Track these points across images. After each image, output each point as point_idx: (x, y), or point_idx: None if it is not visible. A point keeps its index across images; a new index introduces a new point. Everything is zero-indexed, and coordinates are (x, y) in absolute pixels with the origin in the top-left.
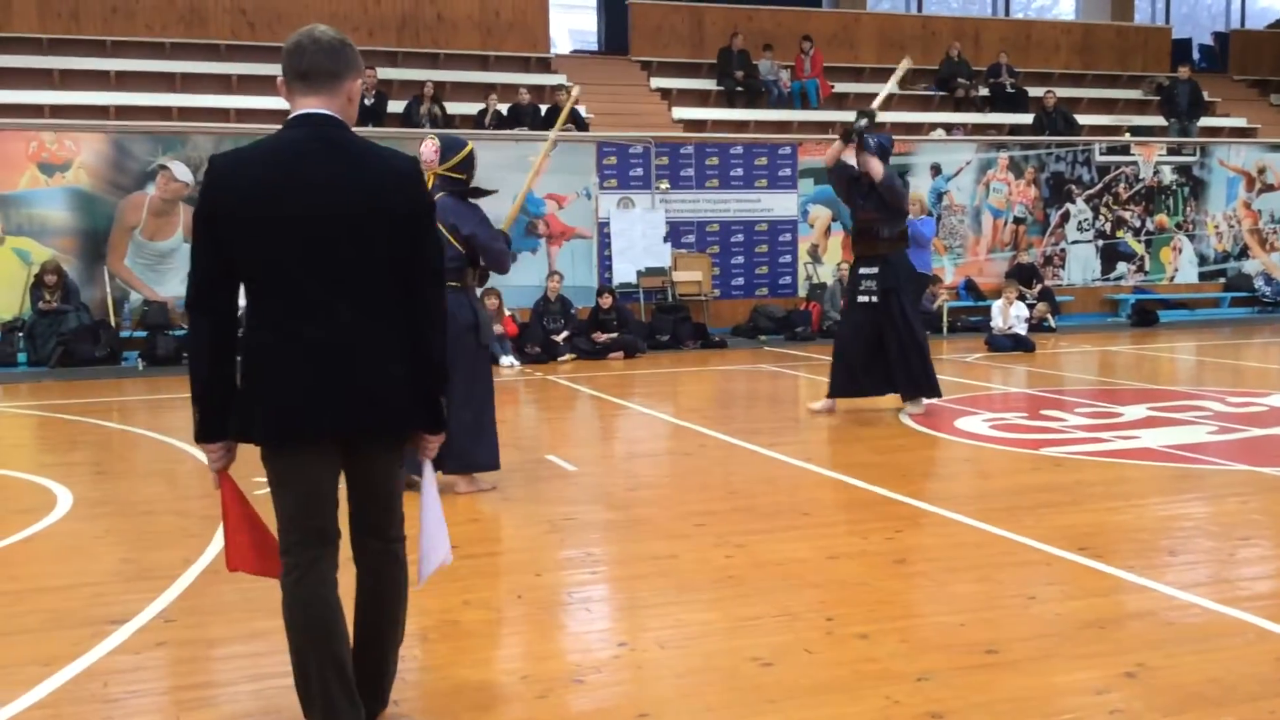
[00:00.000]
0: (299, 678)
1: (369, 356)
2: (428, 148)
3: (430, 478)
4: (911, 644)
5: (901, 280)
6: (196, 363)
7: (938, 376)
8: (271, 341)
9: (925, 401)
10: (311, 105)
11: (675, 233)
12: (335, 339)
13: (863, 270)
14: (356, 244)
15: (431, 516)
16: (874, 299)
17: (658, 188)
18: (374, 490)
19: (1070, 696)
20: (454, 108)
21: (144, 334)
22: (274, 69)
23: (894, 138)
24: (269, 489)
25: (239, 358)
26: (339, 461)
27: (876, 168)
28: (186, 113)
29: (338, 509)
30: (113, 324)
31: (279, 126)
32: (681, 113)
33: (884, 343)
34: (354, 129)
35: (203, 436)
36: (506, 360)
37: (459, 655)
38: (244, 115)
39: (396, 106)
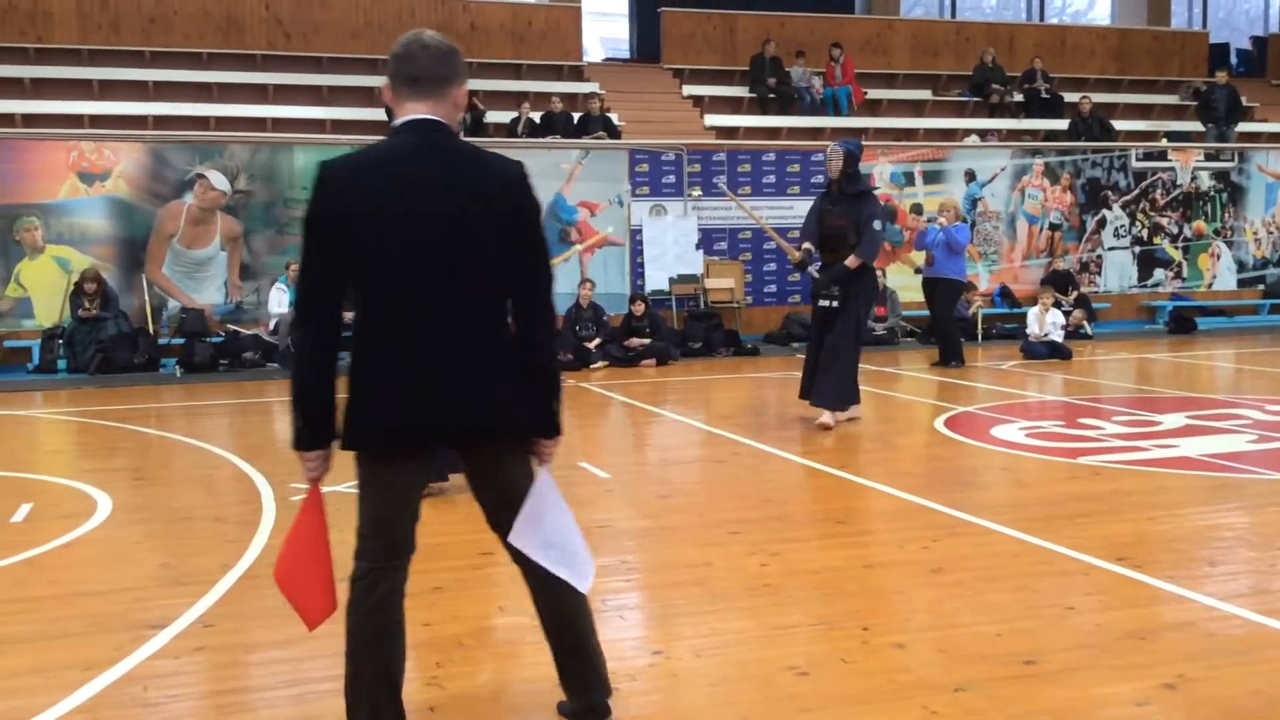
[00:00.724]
0: (349, 681)
1: (479, 362)
2: None
3: (548, 483)
4: (949, 654)
5: (864, 288)
6: (301, 369)
7: (861, 389)
8: (379, 348)
9: (840, 414)
10: (419, 111)
11: (707, 240)
12: (444, 345)
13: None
14: (466, 248)
15: (553, 523)
16: (834, 304)
17: (689, 195)
18: (502, 497)
19: (1110, 708)
20: (487, 116)
21: (181, 341)
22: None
23: (924, 142)
24: (357, 492)
25: (348, 364)
26: (422, 473)
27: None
28: (223, 122)
29: (417, 522)
30: (151, 331)
31: (315, 135)
32: (713, 120)
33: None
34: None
35: (302, 444)
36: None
37: (494, 662)
38: (280, 125)
39: None
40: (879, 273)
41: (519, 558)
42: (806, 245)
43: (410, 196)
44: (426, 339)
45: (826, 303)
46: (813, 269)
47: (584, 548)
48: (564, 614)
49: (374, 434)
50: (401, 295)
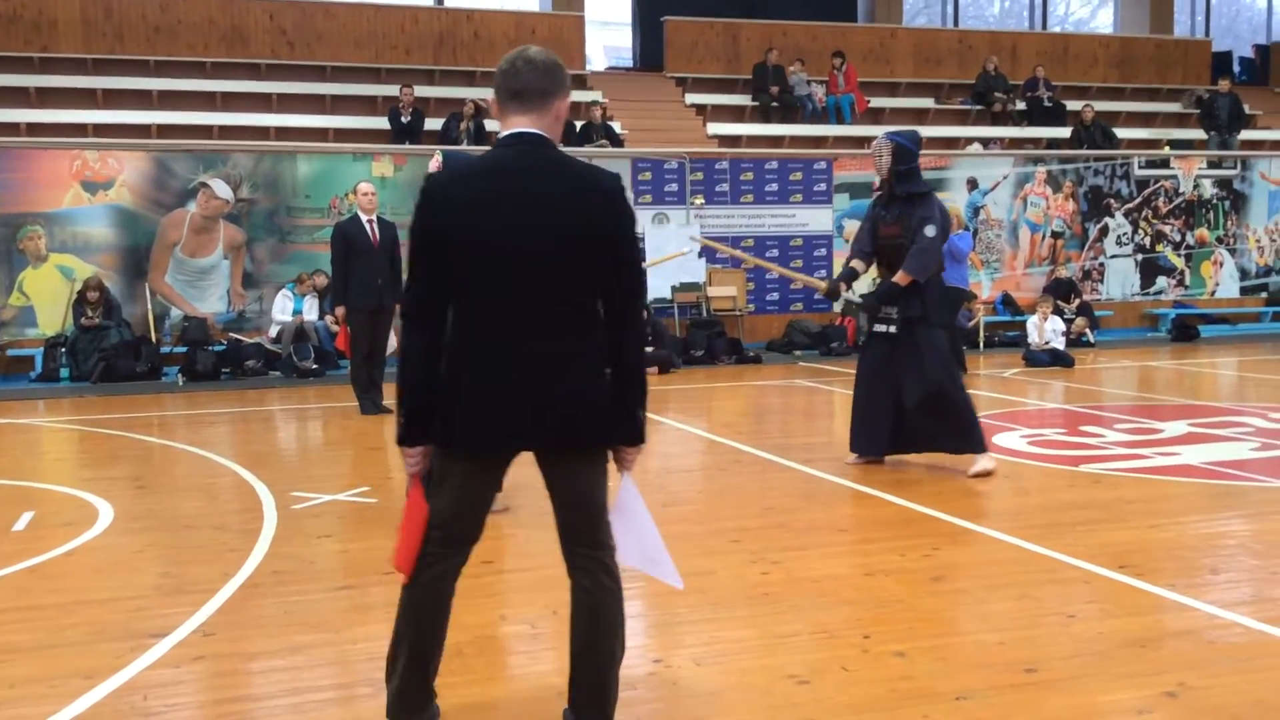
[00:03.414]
0: (391, 653)
1: (571, 370)
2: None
3: (632, 490)
4: (950, 662)
5: (929, 308)
6: (407, 370)
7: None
8: (476, 352)
9: (982, 459)
10: (522, 124)
11: (710, 248)
12: (538, 352)
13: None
14: (566, 259)
15: (639, 535)
16: (891, 329)
17: (693, 203)
18: (579, 501)
19: (1111, 717)
20: (491, 124)
21: (184, 349)
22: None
23: (926, 150)
24: (436, 483)
25: (445, 367)
26: (501, 474)
27: (901, 278)
28: (227, 131)
29: (485, 518)
30: (153, 340)
31: (318, 144)
32: (716, 128)
33: (902, 387)
34: (399, 145)
35: (406, 440)
36: None
37: (495, 670)
38: (284, 133)
39: (435, 124)
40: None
41: (573, 569)
42: (853, 264)
43: (513, 206)
44: (522, 344)
45: (882, 327)
46: (849, 294)
47: (665, 552)
48: (595, 643)
49: (462, 434)
50: (501, 301)
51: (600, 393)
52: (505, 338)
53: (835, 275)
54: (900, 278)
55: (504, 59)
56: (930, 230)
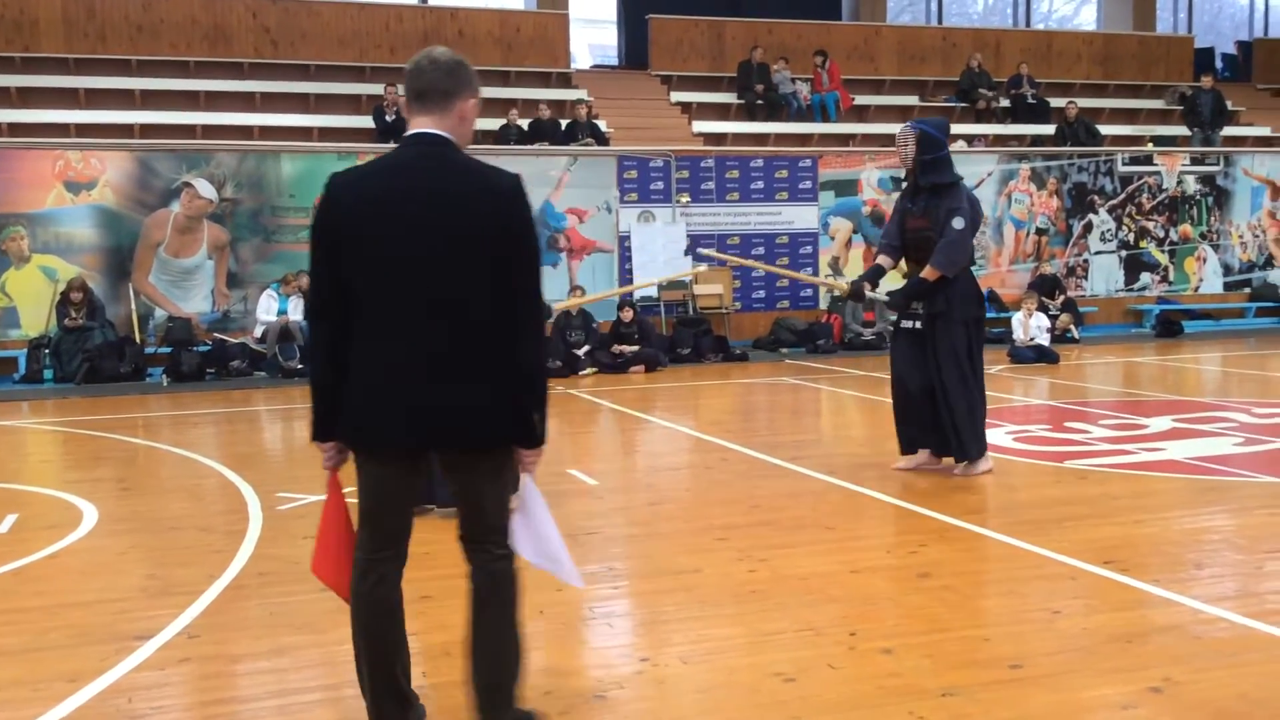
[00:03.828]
0: (357, 665)
1: (458, 371)
2: None
3: (533, 491)
4: (936, 659)
5: (953, 303)
6: (313, 367)
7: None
8: (367, 351)
9: (979, 464)
10: (424, 125)
11: (696, 246)
12: (425, 353)
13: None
14: (452, 260)
15: (538, 535)
16: (917, 324)
17: (678, 201)
18: (472, 498)
19: (1096, 712)
20: (481, 124)
21: (168, 350)
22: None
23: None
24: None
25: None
26: (422, 468)
27: (929, 273)
28: (210, 130)
29: (411, 514)
30: (137, 340)
31: (302, 143)
32: (701, 126)
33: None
34: (384, 144)
35: (315, 436)
36: None
37: None
38: (267, 133)
39: None
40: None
41: (469, 569)
42: (879, 260)
43: (400, 207)
44: (409, 345)
45: (909, 323)
46: (875, 294)
47: (566, 551)
48: (480, 642)
49: (355, 432)
50: (387, 302)
51: (488, 395)
52: (389, 338)
53: (826, 264)
54: (928, 273)
55: (411, 60)
56: (959, 222)
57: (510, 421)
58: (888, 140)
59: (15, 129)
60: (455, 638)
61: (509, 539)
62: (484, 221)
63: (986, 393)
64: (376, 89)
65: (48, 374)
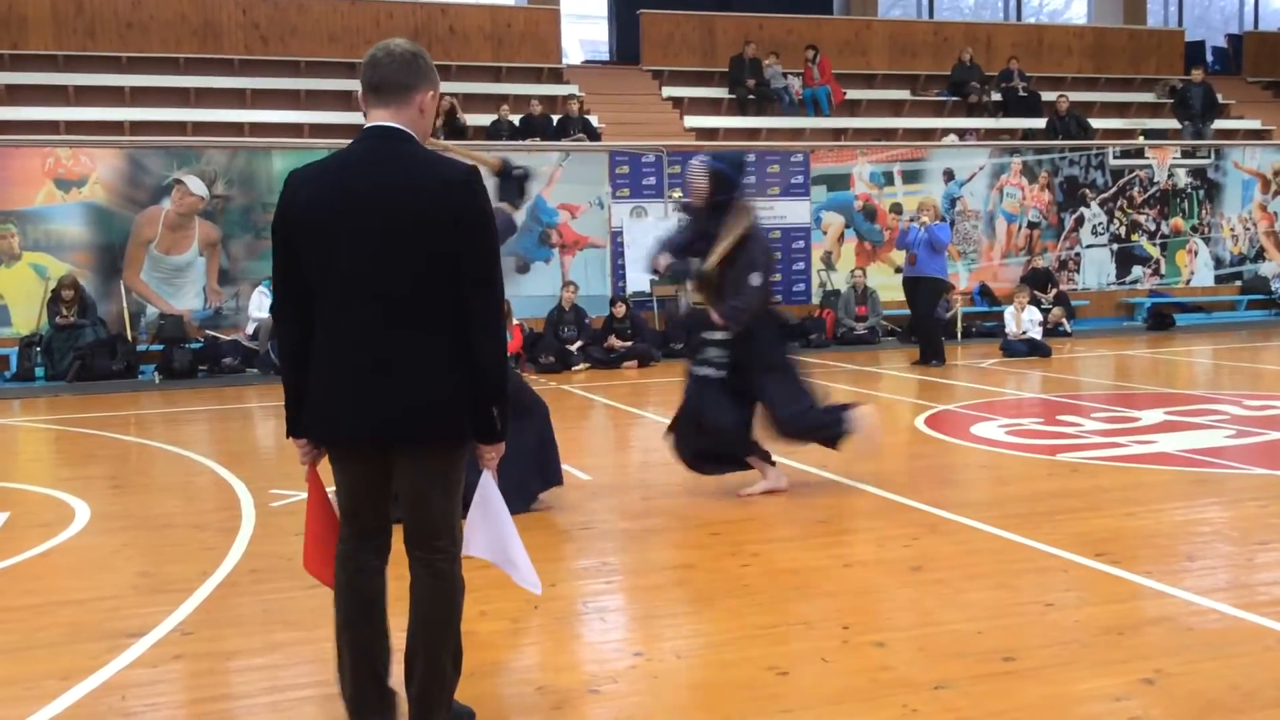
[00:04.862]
0: (337, 657)
1: (410, 365)
2: None
3: (492, 489)
4: (928, 652)
5: (756, 354)
6: (281, 365)
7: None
8: (322, 347)
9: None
10: (381, 118)
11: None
12: (376, 347)
13: (707, 335)
14: (404, 255)
15: (497, 534)
16: (720, 373)
17: (670, 197)
18: (413, 500)
19: (1089, 704)
20: (466, 119)
21: (160, 347)
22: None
23: (904, 141)
24: None
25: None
26: (387, 467)
27: (719, 321)
28: (201, 127)
29: (386, 505)
30: (129, 338)
31: (293, 139)
32: (693, 121)
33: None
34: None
35: (289, 432)
36: None
37: (475, 666)
38: (258, 129)
39: None
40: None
41: (410, 569)
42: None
43: (349, 204)
44: (363, 341)
45: (708, 371)
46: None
47: (524, 553)
48: (416, 641)
49: (317, 428)
50: (341, 298)
51: (441, 390)
52: (343, 334)
53: (818, 259)
54: (717, 320)
55: (368, 53)
56: (755, 279)
57: (467, 416)
58: (880, 134)
59: (5, 126)
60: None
61: (460, 542)
62: (436, 214)
63: (977, 386)
64: None
65: (39, 372)
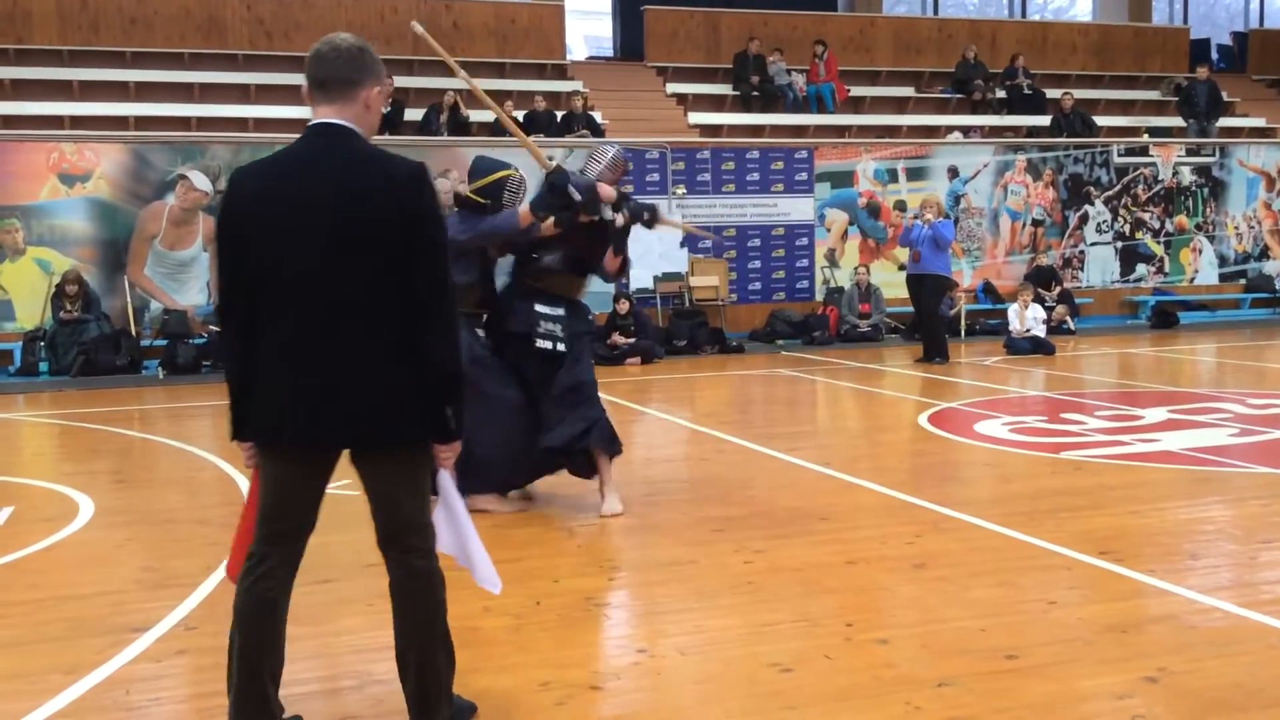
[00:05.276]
0: (228, 659)
1: (359, 366)
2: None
3: (450, 488)
4: (932, 650)
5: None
6: (226, 366)
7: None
8: (267, 348)
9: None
10: (327, 114)
11: (692, 238)
12: (326, 350)
13: (542, 308)
14: (350, 254)
15: (458, 531)
16: (559, 346)
17: (674, 193)
18: (379, 501)
19: (1092, 702)
20: (478, 115)
21: (164, 342)
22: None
23: (907, 139)
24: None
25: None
26: (325, 471)
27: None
28: (205, 123)
29: (311, 515)
30: (133, 333)
31: (297, 135)
32: (697, 118)
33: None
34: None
35: (233, 435)
36: None
37: (479, 662)
38: (262, 125)
39: (414, 115)
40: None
41: (388, 569)
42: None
43: (295, 203)
44: (310, 343)
45: (547, 344)
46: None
47: (483, 552)
48: (405, 642)
49: (254, 427)
50: (287, 299)
51: (394, 390)
52: (290, 335)
53: (822, 256)
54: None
55: (313, 47)
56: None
57: (421, 416)
58: (884, 131)
59: (9, 121)
60: (454, 629)
61: (433, 537)
62: (384, 213)
63: (981, 384)
64: None
65: (43, 367)
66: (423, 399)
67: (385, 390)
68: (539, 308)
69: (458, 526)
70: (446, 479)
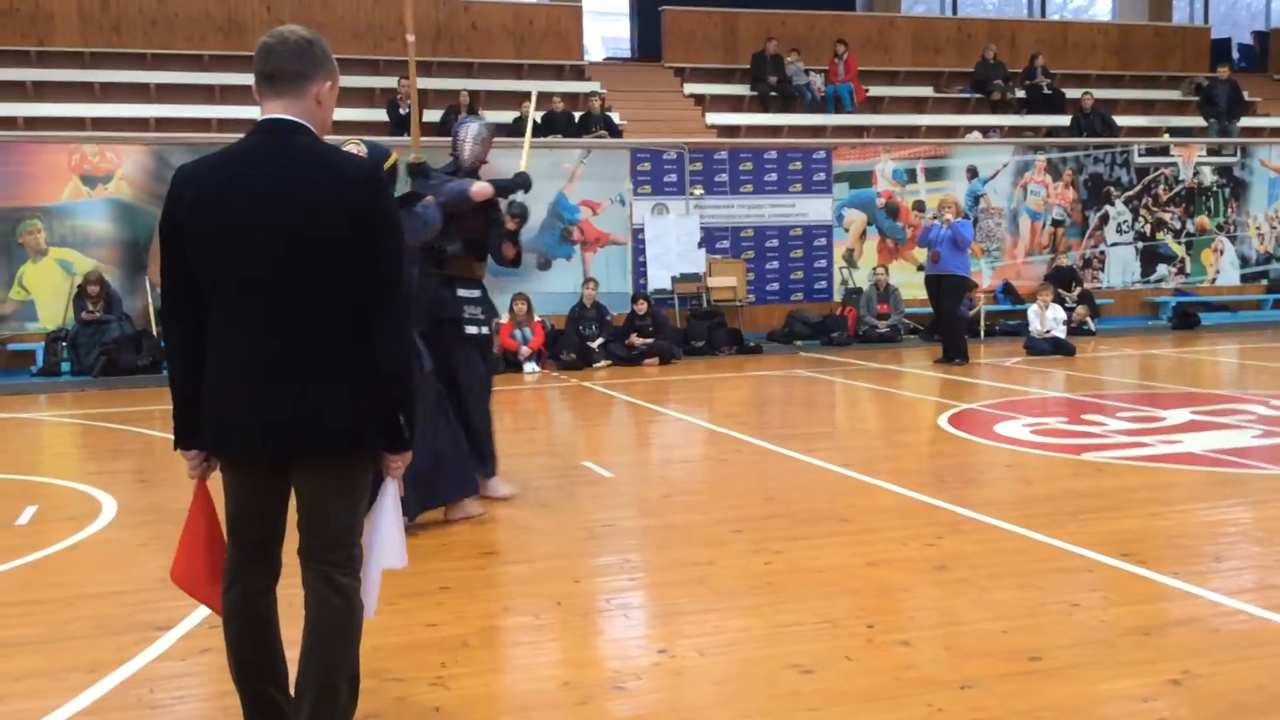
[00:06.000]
0: (230, 670)
1: (309, 374)
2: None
3: (391, 491)
4: (953, 651)
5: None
6: (171, 371)
7: None
8: (213, 352)
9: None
10: (276, 110)
11: (710, 238)
12: (271, 356)
13: (464, 293)
14: (296, 255)
15: (383, 532)
16: (484, 330)
17: (692, 194)
18: (308, 511)
19: (1115, 704)
20: (489, 116)
21: None
22: None
23: (925, 139)
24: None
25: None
26: (282, 480)
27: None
28: (226, 124)
29: (276, 524)
30: (154, 333)
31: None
32: (715, 118)
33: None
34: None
35: (177, 444)
36: (528, 366)
37: (500, 662)
38: None
39: (433, 115)
40: None
41: (304, 583)
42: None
43: (241, 202)
44: (255, 348)
45: (475, 329)
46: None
47: (379, 575)
48: (309, 660)
49: (205, 436)
50: (231, 302)
51: (343, 398)
52: (235, 340)
53: (840, 256)
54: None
55: (260, 40)
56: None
57: (370, 425)
58: (903, 132)
59: (31, 123)
60: (474, 629)
61: (360, 557)
62: (334, 213)
63: (1001, 385)
64: (390, 82)
65: (65, 367)
66: (372, 408)
67: (334, 397)
68: (461, 292)
69: (385, 540)
70: (391, 491)
